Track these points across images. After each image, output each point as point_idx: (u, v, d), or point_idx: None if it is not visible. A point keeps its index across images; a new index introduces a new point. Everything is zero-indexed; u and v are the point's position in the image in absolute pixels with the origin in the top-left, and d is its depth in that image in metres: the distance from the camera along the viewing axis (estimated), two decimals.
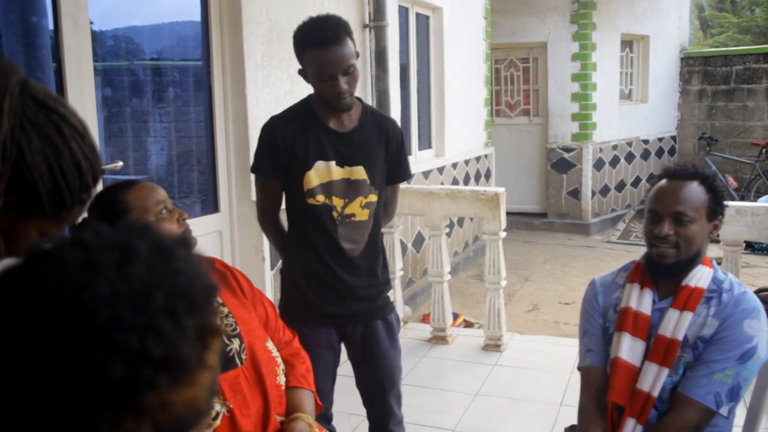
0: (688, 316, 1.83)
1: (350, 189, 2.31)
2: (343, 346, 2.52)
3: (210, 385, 0.62)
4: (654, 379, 1.84)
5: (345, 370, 2.58)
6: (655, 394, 1.83)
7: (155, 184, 1.80)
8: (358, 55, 2.24)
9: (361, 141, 2.32)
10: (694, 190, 1.87)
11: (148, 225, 0.65)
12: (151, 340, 0.56)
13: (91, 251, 0.59)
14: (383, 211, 2.48)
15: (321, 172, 2.28)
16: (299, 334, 2.38)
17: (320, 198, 2.29)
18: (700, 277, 1.88)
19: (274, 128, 2.32)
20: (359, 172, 2.31)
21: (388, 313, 2.48)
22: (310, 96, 2.36)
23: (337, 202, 2.30)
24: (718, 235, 1.99)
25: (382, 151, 2.37)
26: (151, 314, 0.56)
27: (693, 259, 1.89)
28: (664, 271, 1.91)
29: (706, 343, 1.82)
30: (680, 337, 1.82)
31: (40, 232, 0.99)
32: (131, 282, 0.57)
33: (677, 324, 1.84)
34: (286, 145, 2.28)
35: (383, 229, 2.56)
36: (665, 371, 1.83)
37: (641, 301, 1.92)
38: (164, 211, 1.74)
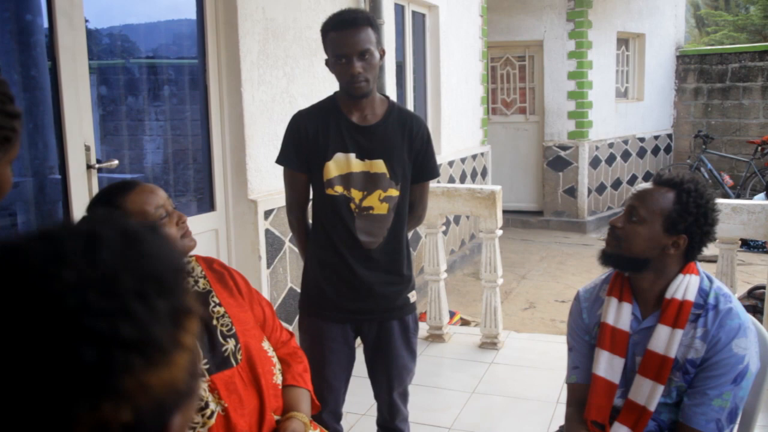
0: (679, 333, 1.79)
1: (369, 182, 2.33)
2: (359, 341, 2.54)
3: (189, 367, 0.62)
4: (649, 394, 1.82)
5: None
6: (652, 408, 1.82)
7: (154, 185, 1.78)
8: (383, 53, 2.32)
9: (382, 135, 2.35)
10: (661, 196, 1.81)
11: (115, 213, 0.65)
12: (122, 322, 0.55)
13: (56, 242, 0.59)
14: (411, 210, 2.49)
15: (340, 164, 2.32)
16: (314, 327, 2.40)
17: (338, 189, 2.33)
18: (686, 288, 1.82)
19: (298, 121, 2.40)
20: (379, 166, 2.33)
21: (405, 314, 2.48)
22: (336, 92, 2.41)
23: (356, 194, 2.33)
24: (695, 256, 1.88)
25: (405, 147, 2.38)
26: (121, 298, 0.57)
27: (638, 263, 1.84)
28: (604, 256, 1.90)
29: (697, 368, 1.79)
30: (673, 354, 1.79)
31: (9, 162, 1.04)
32: (97, 267, 0.57)
33: (669, 341, 1.80)
34: (308, 137, 2.34)
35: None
36: (660, 387, 1.81)
37: (619, 316, 1.90)
38: (164, 214, 1.73)
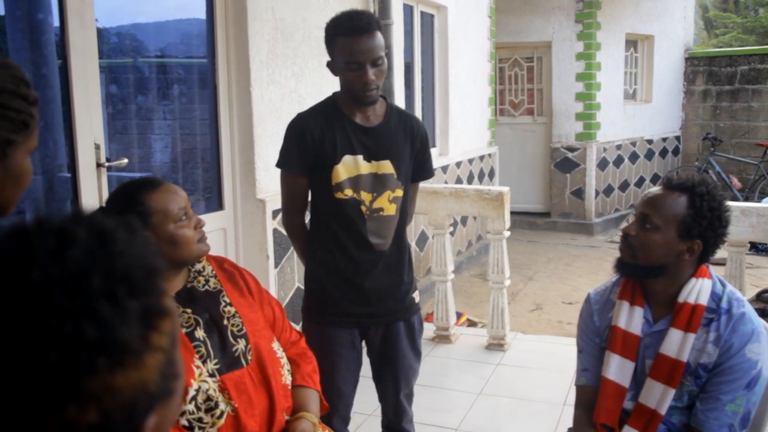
0: (691, 337, 1.78)
1: (378, 183, 2.31)
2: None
3: (163, 368, 0.61)
4: (660, 398, 1.81)
5: None
6: (663, 412, 1.81)
7: (177, 186, 1.76)
8: (387, 54, 2.26)
9: (387, 136, 2.32)
10: (674, 201, 1.78)
11: (93, 212, 0.64)
12: (87, 323, 0.55)
13: (28, 240, 0.59)
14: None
15: (349, 167, 2.28)
16: (321, 332, 2.37)
17: (348, 192, 2.29)
18: (698, 292, 1.81)
19: (301, 124, 2.32)
20: (386, 167, 2.31)
21: (411, 315, 2.46)
22: (335, 93, 2.37)
23: (365, 196, 2.30)
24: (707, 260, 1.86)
25: (408, 147, 2.37)
26: (88, 298, 0.56)
27: (654, 270, 1.82)
28: (620, 266, 1.88)
29: (709, 372, 1.78)
30: (685, 358, 1.78)
31: (28, 152, 1.03)
32: (66, 267, 0.57)
33: (681, 345, 1.79)
34: (314, 141, 2.28)
35: None
36: (671, 391, 1.80)
37: (631, 320, 1.88)
38: (184, 216, 1.72)
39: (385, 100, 2.39)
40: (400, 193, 2.35)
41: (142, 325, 0.59)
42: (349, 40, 2.16)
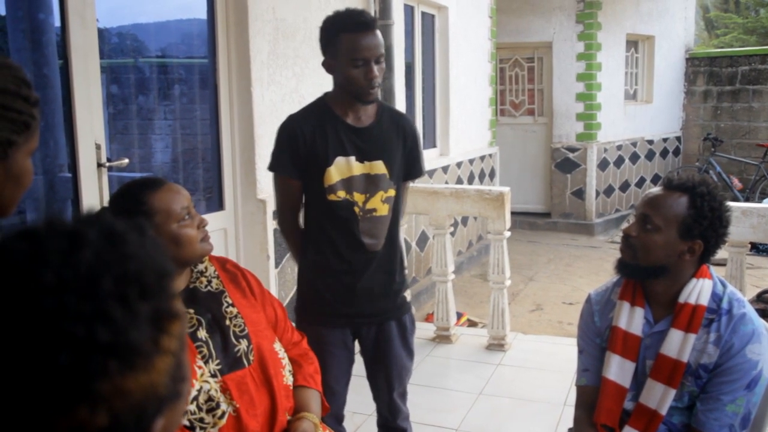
0: (692, 338, 1.78)
1: (371, 184, 2.30)
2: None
3: (172, 371, 0.61)
4: (660, 398, 1.82)
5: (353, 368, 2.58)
6: (663, 412, 1.81)
7: (179, 186, 1.76)
8: (385, 54, 2.27)
9: (379, 136, 2.32)
10: (675, 202, 1.78)
11: (102, 213, 0.64)
12: (99, 326, 0.55)
13: (39, 242, 0.59)
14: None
15: (341, 168, 2.27)
16: (314, 333, 2.36)
17: (341, 194, 2.28)
18: (699, 292, 1.81)
19: (292, 126, 2.30)
20: (379, 167, 2.30)
21: (402, 314, 2.46)
22: (325, 94, 2.36)
23: (358, 197, 2.29)
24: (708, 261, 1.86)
25: (400, 146, 2.37)
26: (99, 301, 0.56)
27: (654, 270, 1.82)
28: (621, 267, 1.88)
29: (710, 373, 1.78)
30: (685, 359, 1.78)
31: (29, 152, 1.03)
32: (77, 269, 0.57)
33: (682, 345, 1.79)
34: (306, 142, 2.26)
35: None
36: (672, 392, 1.80)
37: (631, 320, 1.89)
38: (187, 216, 1.72)
39: (376, 99, 2.38)
40: (392, 193, 2.35)
41: (153, 328, 0.59)
42: (355, 37, 2.15)
